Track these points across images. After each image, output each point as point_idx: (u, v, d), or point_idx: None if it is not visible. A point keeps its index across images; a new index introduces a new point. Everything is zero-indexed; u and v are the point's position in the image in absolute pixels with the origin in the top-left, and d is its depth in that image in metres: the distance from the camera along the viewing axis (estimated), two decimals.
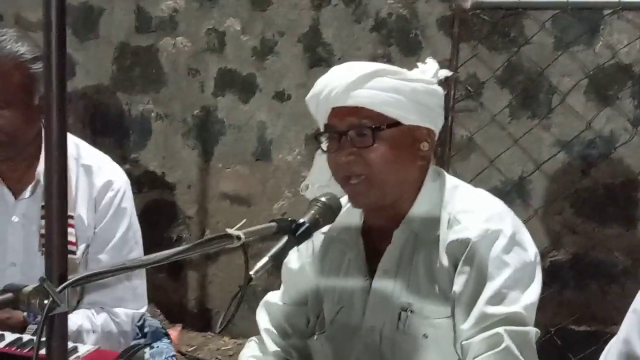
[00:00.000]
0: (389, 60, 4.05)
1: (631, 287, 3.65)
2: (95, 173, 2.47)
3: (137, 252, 2.52)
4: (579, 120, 3.73)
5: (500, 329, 1.88)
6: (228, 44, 4.61)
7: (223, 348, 4.57)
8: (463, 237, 1.96)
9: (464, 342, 1.91)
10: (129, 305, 2.50)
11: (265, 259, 1.70)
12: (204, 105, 4.70)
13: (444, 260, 1.98)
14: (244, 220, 1.67)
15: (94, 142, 4.71)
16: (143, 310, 2.57)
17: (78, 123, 4.94)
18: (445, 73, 2.13)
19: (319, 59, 4.37)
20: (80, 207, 2.43)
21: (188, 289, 4.87)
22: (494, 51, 3.90)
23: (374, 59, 4.01)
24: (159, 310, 4.79)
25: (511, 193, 3.78)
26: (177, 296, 4.87)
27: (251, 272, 1.66)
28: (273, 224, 1.77)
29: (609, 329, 3.69)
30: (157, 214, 4.85)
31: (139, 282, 2.52)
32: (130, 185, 2.55)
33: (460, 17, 3.62)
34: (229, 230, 1.62)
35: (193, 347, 4.57)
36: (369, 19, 4.21)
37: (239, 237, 1.62)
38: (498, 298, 1.91)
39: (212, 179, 4.74)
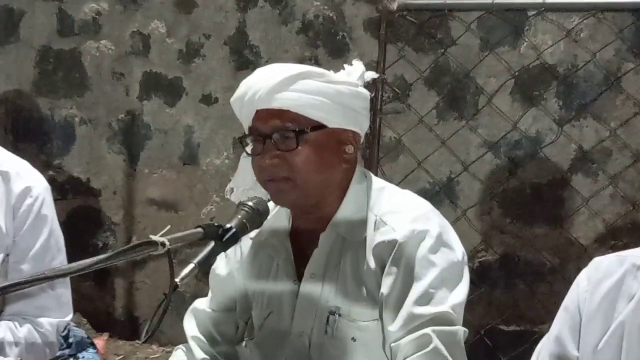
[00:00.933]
0: (316, 62, 4.05)
1: (559, 286, 3.71)
2: (12, 179, 2.38)
3: (59, 259, 2.45)
4: (505, 120, 3.76)
5: (428, 330, 1.88)
6: (153, 47, 4.57)
7: (152, 357, 4.52)
8: (389, 238, 1.96)
9: (392, 344, 1.91)
10: (53, 314, 2.43)
11: (191, 266, 1.68)
12: (129, 110, 4.65)
13: (371, 262, 1.98)
14: (169, 227, 1.66)
15: (16, 148, 4.68)
16: (68, 318, 2.50)
17: None
18: (371, 75, 2.14)
19: (246, 61, 4.34)
20: None
21: (115, 296, 4.81)
22: (421, 53, 3.92)
23: (301, 61, 4.01)
24: (85, 319, 4.73)
25: (439, 194, 3.80)
26: (104, 304, 4.81)
27: (177, 279, 1.64)
28: (199, 229, 1.75)
29: (537, 328, 3.75)
30: (82, 221, 4.78)
31: (63, 290, 2.46)
32: (50, 192, 2.47)
33: (386, 18, 3.60)
34: (153, 237, 1.60)
35: (120, 356, 4.52)
36: (296, 20, 4.21)
37: (163, 244, 1.60)
38: (425, 298, 1.91)
39: (138, 184, 4.69)
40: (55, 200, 2.53)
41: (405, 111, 3.91)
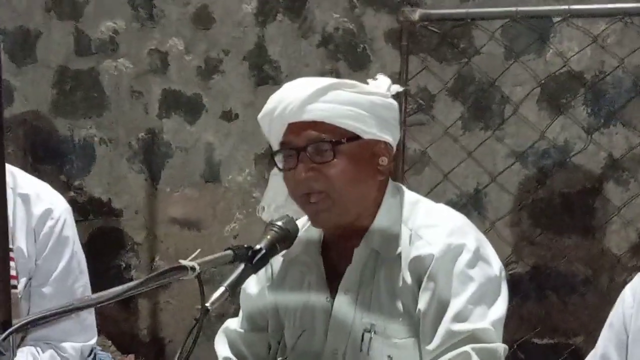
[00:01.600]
0: (337, 75, 4.00)
1: (592, 297, 3.66)
2: (33, 202, 2.38)
3: (82, 281, 2.45)
4: (532, 130, 3.72)
5: (467, 347, 1.85)
6: (171, 64, 4.54)
7: None
8: (426, 252, 1.93)
9: None
10: (76, 338, 2.42)
11: (221, 289, 1.66)
12: (149, 128, 4.62)
13: (407, 278, 1.95)
14: (199, 250, 1.63)
15: (35, 170, 4.68)
16: (92, 342, 2.49)
17: (19, 151, 4.84)
18: (397, 88, 2.12)
19: (266, 76, 4.31)
20: (19, 239, 2.34)
21: (139, 318, 4.76)
22: (444, 63, 3.88)
23: (322, 74, 3.97)
24: (109, 342, 4.71)
25: (467, 206, 3.76)
26: (128, 326, 4.77)
27: (207, 304, 1.61)
28: (229, 252, 1.74)
29: (571, 340, 3.71)
30: (104, 242, 4.75)
31: (87, 314, 2.44)
32: (71, 213, 2.47)
33: (408, 29, 3.62)
34: (183, 262, 1.58)
35: None
36: (316, 34, 4.18)
37: (193, 268, 1.58)
38: (464, 315, 1.88)
39: (160, 203, 4.66)
40: (77, 221, 2.52)
41: (430, 122, 3.88)
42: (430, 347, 1.88)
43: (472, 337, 1.86)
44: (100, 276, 4.46)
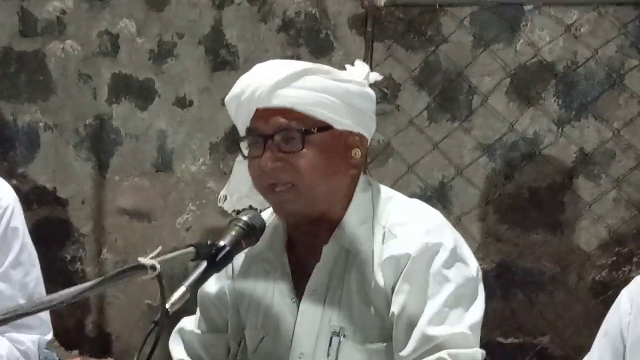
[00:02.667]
0: None
1: (559, 295, 3.63)
2: None
3: (34, 274, 2.38)
4: (501, 121, 3.67)
5: (443, 353, 1.76)
6: (122, 47, 4.45)
7: None
8: (400, 252, 1.84)
9: None
10: (33, 332, 2.35)
11: (182, 289, 1.57)
12: (98, 114, 4.53)
13: (379, 279, 1.85)
14: (160, 248, 1.54)
15: None
16: (49, 337, 2.43)
17: None
18: (375, 77, 2.05)
19: (223, 61, 4.22)
20: None
21: (84, 312, 4.67)
22: (410, 51, 3.81)
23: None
24: (53, 337, 4.58)
25: (432, 200, 3.70)
26: (73, 320, 4.67)
27: (167, 305, 1.52)
28: (191, 249, 1.64)
29: (537, 340, 3.69)
30: (48, 233, 4.64)
31: None
32: (19, 203, 2.39)
33: (373, 15, 3.58)
34: (142, 260, 1.50)
35: None
36: (276, 18, 4.09)
37: (153, 267, 1.50)
38: (440, 318, 1.79)
39: (108, 193, 4.57)
40: None
41: (395, 112, 3.82)
42: (404, 352, 1.79)
43: (449, 341, 1.77)
44: (44, 269, 4.36)
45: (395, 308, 1.81)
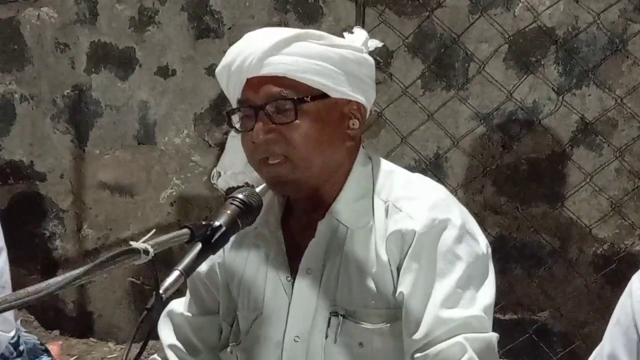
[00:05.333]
0: None
1: (559, 270, 3.60)
2: None
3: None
4: (498, 90, 3.61)
5: (460, 338, 1.70)
6: (101, 14, 4.40)
7: (109, 356, 4.33)
8: (407, 227, 1.78)
9: (417, 355, 1.73)
10: None
11: (176, 273, 1.50)
12: (76, 84, 4.50)
13: (382, 254, 1.80)
14: (154, 231, 1.47)
15: None
16: (11, 334, 2.39)
17: None
18: (375, 43, 1.98)
19: (207, 29, 4.16)
20: None
21: (65, 290, 4.57)
22: (404, 16, 3.75)
23: (269, 27, 3.83)
24: (32, 317, 4.59)
25: (426, 172, 3.66)
26: (53, 299, 4.64)
27: (160, 291, 1.46)
28: (185, 230, 1.56)
29: (536, 316, 3.66)
30: (26, 208, 4.63)
31: None
32: None
33: None
34: (135, 244, 1.42)
35: (74, 357, 4.34)
36: None
37: (146, 251, 1.43)
38: (453, 299, 1.74)
39: (88, 166, 4.53)
40: None
41: (387, 81, 3.75)
42: (417, 336, 1.73)
43: (464, 325, 1.71)
44: (21, 247, 4.31)
45: (404, 288, 1.76)
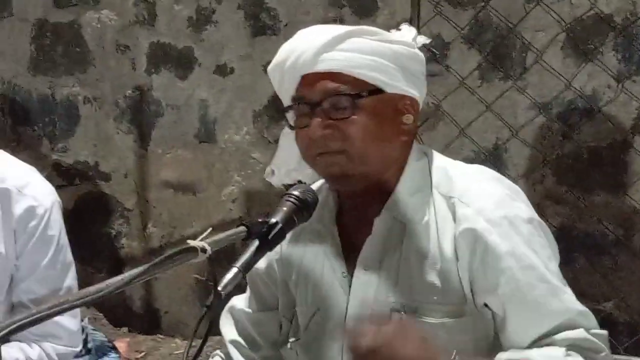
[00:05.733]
0: (342, 23, 3.86)
1: (624, 259, 3.57)
2: (14, 199, 2.24)
3: (68, 281, 2.34)
4: (557, 79, 3.57)
5: (583, 332, 1.74)
6: (159, 15, 4.43)
7: (176, 352, 4.39)
8: (476, 227, 1.78)
9: (544, 341, 1.73)
10: (59, 342, 2.31)
11: (234, 270, 1.52)
12: (137, 85, 4.53)
13: (447, 250, 1.80)
14: (210, 229, 1.49)
15: (15, 133, 4.59)
16: (78, 348, 2.39)
17: None
18: (423, 40, 1.98)
19: (263, 26, 4.18)
20: None
21: (132, 288, 4.64)
22: (459, 7, 3.75)
23: (325, 22, 3.83)
24: (101, 314, 4.65)
25: (486, 163, 3.58)
26: (120, 297, 4.69)
27: (219, 287, 1.48)
28: (242, 228, 1.59)
29: (602, 306, 3.61)
30: (91, 208, 4.69)
31: (69, 320, 2.32)
32: (59, 205, 2.34)
33: None
34: (192, 242, 1.45)
35: (142, 353, 4.39)
36: None
37: (204, 250, 1.45)
38: (559, 293, 1.78)
39: (151, 166, 4.57)
40: (61, 186, 2.41)
41: (444, 73, 3.74)
42: (534, 328, 1.74)
43: (579, 320, 1.76)
44: (88, 246, 4.39)
45: (504, 289, 1.75)
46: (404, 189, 1.87)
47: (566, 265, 3.56)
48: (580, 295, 3.61)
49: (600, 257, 3.63)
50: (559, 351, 1.70)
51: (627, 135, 3.54)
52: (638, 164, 3.52)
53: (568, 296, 1.78)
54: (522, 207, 1.81)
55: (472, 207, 1.79)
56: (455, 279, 1.78)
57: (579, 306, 1.78)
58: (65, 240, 2.35)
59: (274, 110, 4.07)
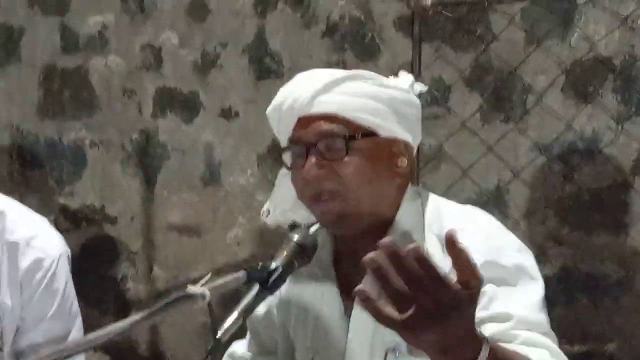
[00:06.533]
0: (344, 66, 3.90)
1: (626, 300, 3.55)
2: (21, 251, 2.26)
3: (74, 333, 2.35)
4: (557, 120, 3.59)
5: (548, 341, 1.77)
6: (165, 60, 4.48)
7: None
8: None
9: (512, 332, 1.72)
10: None
11: (234, 315, 1.55)
12: (143, 129, 4.57)
13: None
14: (209, 275, 1.53)
15: (23, 176, 4.62)
16: None
17: (4, 156, 4.83)
18: (420, 88, 2.03)
19: (267, 70, 4.22)
20: (3, 294, 2.23)
21: (138, 331, 4.66)
22: (460, 51, 3.76)
23: (328, 66, 3.86)
24: (107, 357, 4.63)
25: (488, 204, 3.63)
26: (126, 339, 4.65)
27: (219, 333, 1.51)
28: (242, 272, 1.62)
29: (605, 347, 3.57)
30: (98, 251, 4.71)
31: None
32: (67, 256, 2.35)
33: (420, 15, 3.50)
34: (191, 288, 1.49)
35: None
36: (320, 23, 4.07)
37: (203, 296, 1.49)
38: (536, 309, 1.80)
39: (157, 208, 4.60)
40: (68, 230, 2.42)
41: (446, 115, 3.76)
42: (507, 323, 1.73)
43: (548, 334, 1.79)
44: (94, 289, 4.40)
45: (482, 313, 1.73)
46: (400, 228, 1.89)
47: (569, 306, 3.61)
48: (584, 337, 3.65)
49: (603, 297, 3.61)
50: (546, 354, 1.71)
51: (627, 176, 3.53)
52: (638, 205, 3.52)
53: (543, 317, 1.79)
54: (511, 239, 1.85)
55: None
56: None
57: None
58: (71, 291, 2.35)
59: (278, 153, 4.08)
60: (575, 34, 3.56)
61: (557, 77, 3.58)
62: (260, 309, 2.05)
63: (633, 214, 3.54)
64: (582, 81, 3.58)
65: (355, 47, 4.01)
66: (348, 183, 1.82)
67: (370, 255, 1.28)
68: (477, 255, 1.74)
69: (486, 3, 3.54)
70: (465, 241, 1.79)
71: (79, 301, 2.40)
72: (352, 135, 1.83)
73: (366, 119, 1.84)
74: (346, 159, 1.82)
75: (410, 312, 1.31)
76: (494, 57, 3.69)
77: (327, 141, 1.83)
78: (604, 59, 3.52)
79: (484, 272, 1.74)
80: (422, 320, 1.30)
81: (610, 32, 3.48)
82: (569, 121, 3.56)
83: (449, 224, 1.86)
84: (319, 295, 1.98)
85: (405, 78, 2.00)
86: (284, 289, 2.00)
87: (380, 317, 1.32)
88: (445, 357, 1.36)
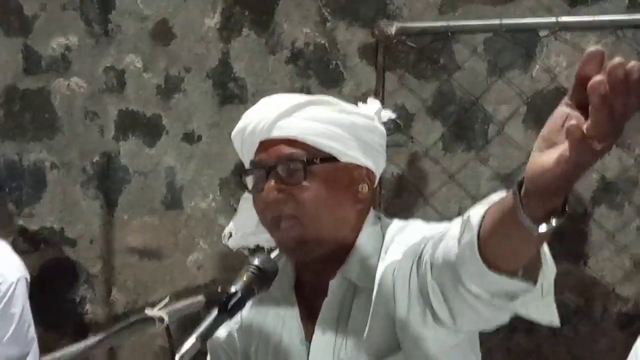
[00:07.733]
0: (309, 93, 3.89)
1: (584, 328, 3.57)
2: None
3: (30, 358, 2.36)
4: (518, 150, 3.63)
5: None
6: (128, 83, 4.44)
7: None
8: (394, 259, 1.82)
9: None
10: None
11: (192, 339, 1.54)
12: (105, 151, 4.51)
13: (379, 310, 1.80)
14: (167, 298, 1.54)
15: None
16: None
17: None
18: (388, 115, 2.04)
19: (231, 95, 4.21)
20: None
21: (94, 357, 4.59)
22: (423, 80, 3.80)
23: (292, 92, 3.85)
24: None
25: None
26: None
27: (177, 357, 1.51)
28: (200, 297, 1.68)
29: None
30: (56, 274, 4.62)
31: None
32: (25, 280, 2.36)
33: (383, 44, 3.51)
34: (150, 312, 1.51)
35: None
36: (284, 49, 4.09)
37: (161, 319, 1.51)
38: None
39: (117, 232, 4.53)
40: (27, 252, 2.39)
41: (408, 144, 3.78)
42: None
43: None
44: (52, 311, 4.33)
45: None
46: (359, 252, 1.88)
47: (529, 334, 3.61)
48: None
49: (562, 326, 3.62)
50: None
51: (587, 206, 3.58)
52: (597, 235, 3.55)
53: None
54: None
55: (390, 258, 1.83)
56: (411, 324, 1.76)
57: None
58: (28, 316, 2.35)
59: (240, 177, 4.07)
60: (537, 66, 3.63)
61: (518, 108, 3.64)
62: (222, 333, 2.02)
63: (592, 244, 3.58)
64: (543, 112, 3.56)
65: (319, 74, 4.04)
66: (306, 207, 1.82)
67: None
68: (418, 235, 1.77)
69: (449, 33, 3.55)
70: (408, 229, 1.81)
71: (37, 323, 2.37)
72: (311, 159, 1.82)
73: (326, 144, 1.84)
74: (305, 183, 1.81)
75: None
76: (457, 86, 3.73)
77: (286, 165, 1.83)
78: (565, 90, 3.50)
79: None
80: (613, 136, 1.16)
81: (572, 64, 3.54)
82: (529, 151, 3.54)
83: (394, 234, 1.89)
84: (279, 320, 1.96)
85: (372, 105, 2.01)
86: (245, 313, 1.99)
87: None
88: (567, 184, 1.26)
